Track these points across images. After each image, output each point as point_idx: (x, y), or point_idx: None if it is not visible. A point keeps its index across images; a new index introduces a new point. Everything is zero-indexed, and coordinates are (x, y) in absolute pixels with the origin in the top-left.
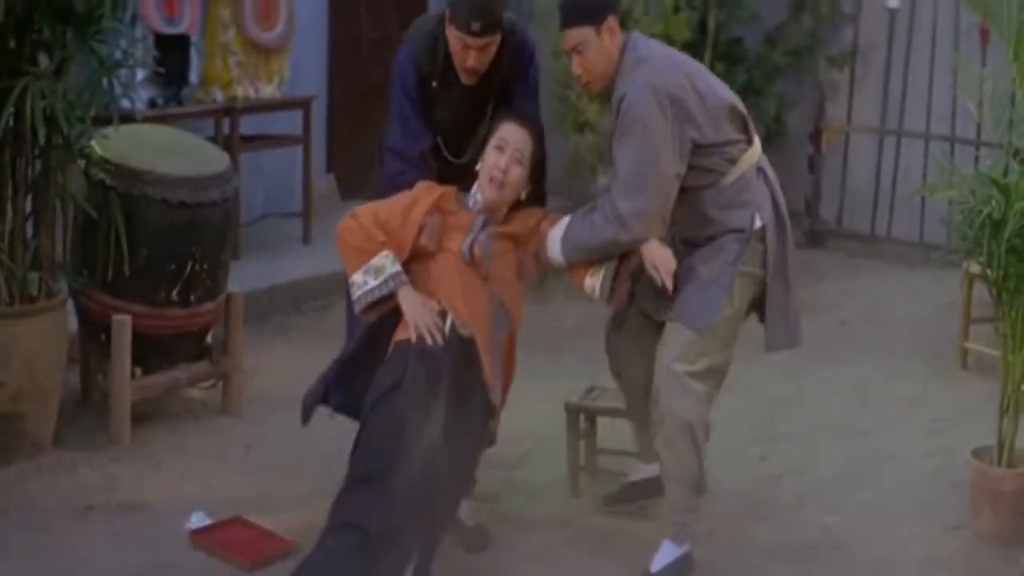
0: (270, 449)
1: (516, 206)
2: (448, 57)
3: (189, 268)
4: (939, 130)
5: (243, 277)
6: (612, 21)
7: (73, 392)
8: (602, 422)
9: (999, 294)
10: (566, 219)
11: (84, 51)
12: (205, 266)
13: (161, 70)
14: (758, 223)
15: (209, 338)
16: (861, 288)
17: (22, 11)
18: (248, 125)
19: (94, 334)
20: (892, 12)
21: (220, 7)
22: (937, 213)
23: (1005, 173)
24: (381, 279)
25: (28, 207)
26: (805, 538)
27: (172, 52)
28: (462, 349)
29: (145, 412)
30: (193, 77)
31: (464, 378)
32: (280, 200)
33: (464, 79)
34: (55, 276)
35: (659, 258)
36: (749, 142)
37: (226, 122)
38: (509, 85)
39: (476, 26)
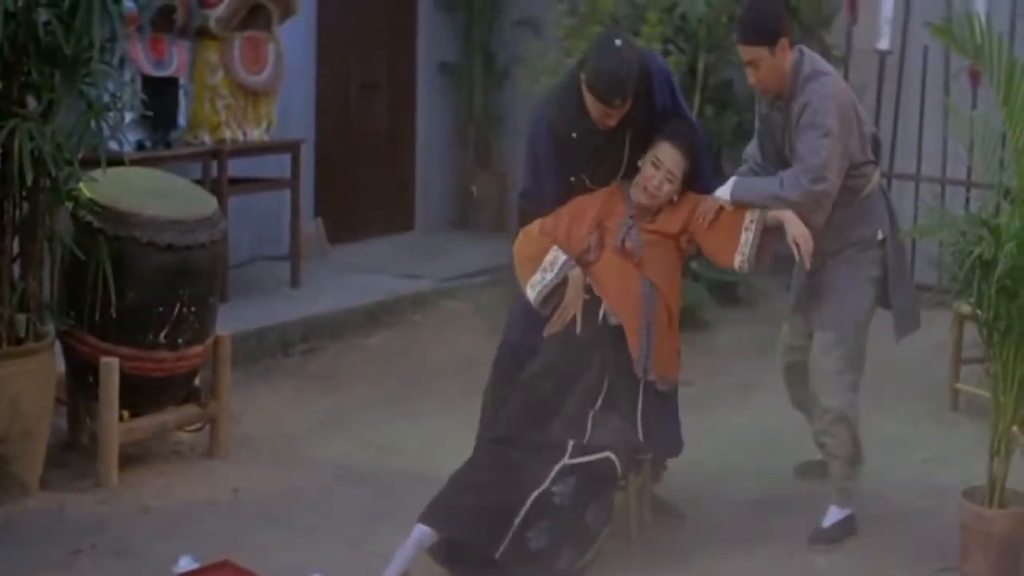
0: (257, 492)
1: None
2: (585, 109)
3: (177, 311)
4: (930, 172)
5: (231, 320)
6: (784, 42)
7: (60, 434)
8: None
9: (989, 335)
10: (729, 183)
11: (72, 93)
12: (193, 309)
13: (149, 113)
14: (880, 236)
15: (197, 381)
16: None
17: (11, 53)
18: (236, 168)
19: (82, 376)
20: (882, 55)
21: (208, 50)
22: (928, 254)
23: (996, 213)
24: (555, 270)
25: (15, 249)
26: None
27: (160, 95)
28: (611, 335)
29: (133, 455)
30: (181, 120)
31: (615, 358)
32: (268, 243)
33: (602, 128)
34: (43, 318)
35: (800, 236)
36: (876, 164)
37: (214, 165)
38: (645, 116)
39: (617, 101)
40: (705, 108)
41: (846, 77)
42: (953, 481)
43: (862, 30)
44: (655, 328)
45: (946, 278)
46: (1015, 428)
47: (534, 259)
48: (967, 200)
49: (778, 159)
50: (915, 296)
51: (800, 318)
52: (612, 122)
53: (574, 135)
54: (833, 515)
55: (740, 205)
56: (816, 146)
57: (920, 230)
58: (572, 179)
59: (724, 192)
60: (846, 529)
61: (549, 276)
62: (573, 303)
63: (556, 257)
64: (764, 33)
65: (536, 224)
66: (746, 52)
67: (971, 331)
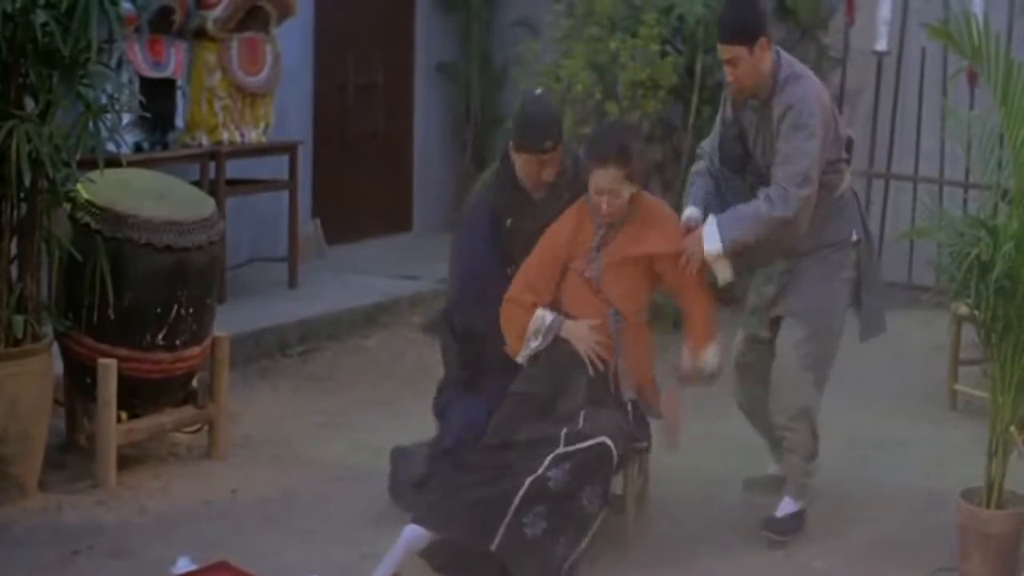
0: (255, 493)
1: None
2: (519, 191)
3: (175, 312)
4: (927, 172)
5: (228, 321)
6: (763, 42)
7: (58, 435)
8: None
9: (987, 336)
10: (712, 225)
11: (70, 95)
12: (191, 310)
13: (147, 114)
14: (854, 236)
15: (195, 382)
16: (848, 330)
17: (8, 55)
18: (234, 169)
19: (79, 378)
20: (880, 56)
21: (206, 51)
22: (925, 255)
23: (994, 214)
24: (542, 335)
25: (13, 250)
26: None
27: (158, 96)
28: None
29: (130, 456)
30: (179, 121)
31: (593, 378)
32: (266, 244)
33: (537, 195)
34: (40, 319)
35: (700, 369)
36: (848, 163)
37: (212, 166)
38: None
39: (548, 143)
40: (702, 109)
41: (843, 78)
42: (951, 482)
43: (859, 31)
44: (624, 357)
45: (944, 279)
46: (1013, 429)
47: (521, 332)
48: (965, 201)
49: (739, 163)
50: (883, 299)
51: (756, 321)
52: (548, 176)
53: (509, 221)
54: (787, 506)
55: (736, 248)
56: (805, 148)
57: (918, 231)
58: (508, 270)
59: (714, 243)
60: (797, 523)
61: (535, 343)
62: (590, 347)
63: (540, 323)
64: (744, 32)
65: (516, 282)
66: (726, 50)
67: (969, 332)
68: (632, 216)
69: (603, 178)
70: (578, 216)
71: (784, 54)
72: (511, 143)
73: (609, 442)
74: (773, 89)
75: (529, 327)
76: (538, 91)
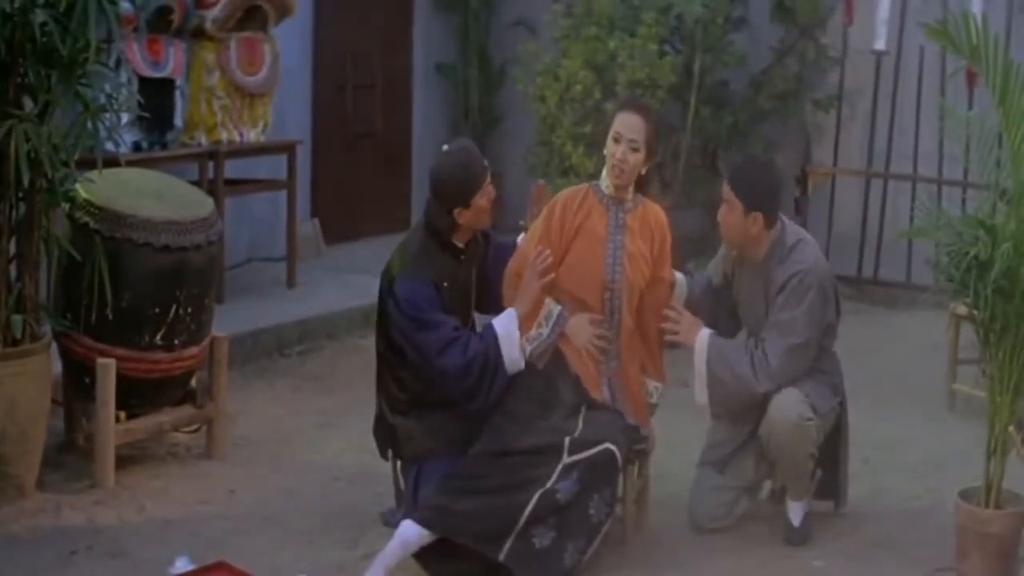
0: (254, 493)
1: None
2: (450, 253)
3: (173, 312)
4: (926, 172)
5: (227, 321)
6: (758, 217)
7: (57, 435)
8: None
9: (986, 335)
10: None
11: (69, 94)
12: (189, 310)
13: (145, 114)
14: (838, 399)
15: (193, 382)
16: (847, 330)
17: (7, 54)
18: (232, 169)
19: (78, 377)
20: (878, 55)
21: (205, 51)
22: (924, 255)
23: (992, 214)
24: (548, 327)
25: (12, 250)
26: None
27: (157, 95)
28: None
29: (129, 456)
30: (177, 121)
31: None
32: (264, 244)
33: (487, 223)
34: (39, 319)
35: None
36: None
37: (210, 166)
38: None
39: (488, 176)
40: (701, 109)
41: (842, 78)
42: (950, 482)
43: (858, 31)
44: (618, 382)
45: (942, 279)
46: (1011, 429)
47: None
48: (963, 201)
49: (732, 322)
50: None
51: (730, 426)
52: (493, 196)
53: (445, 284)
54: (798, 510)
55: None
56: (802, 319)
57: (917, 231)
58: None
59: (700, 345)
60: (810, 522)
61: (544, 331)
62: (589, 341)
63: (551, 310)
64: (748, 194)
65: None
66: (727, 192)
67: (968, 332)
68: (637, 205)
69: (626, 123)
70: (584, 203)
71: (788, 222)
72: (458, 210)
73: (613, 447)
74: (779, 254)
75: (540, 313)
76: (445, 147)
